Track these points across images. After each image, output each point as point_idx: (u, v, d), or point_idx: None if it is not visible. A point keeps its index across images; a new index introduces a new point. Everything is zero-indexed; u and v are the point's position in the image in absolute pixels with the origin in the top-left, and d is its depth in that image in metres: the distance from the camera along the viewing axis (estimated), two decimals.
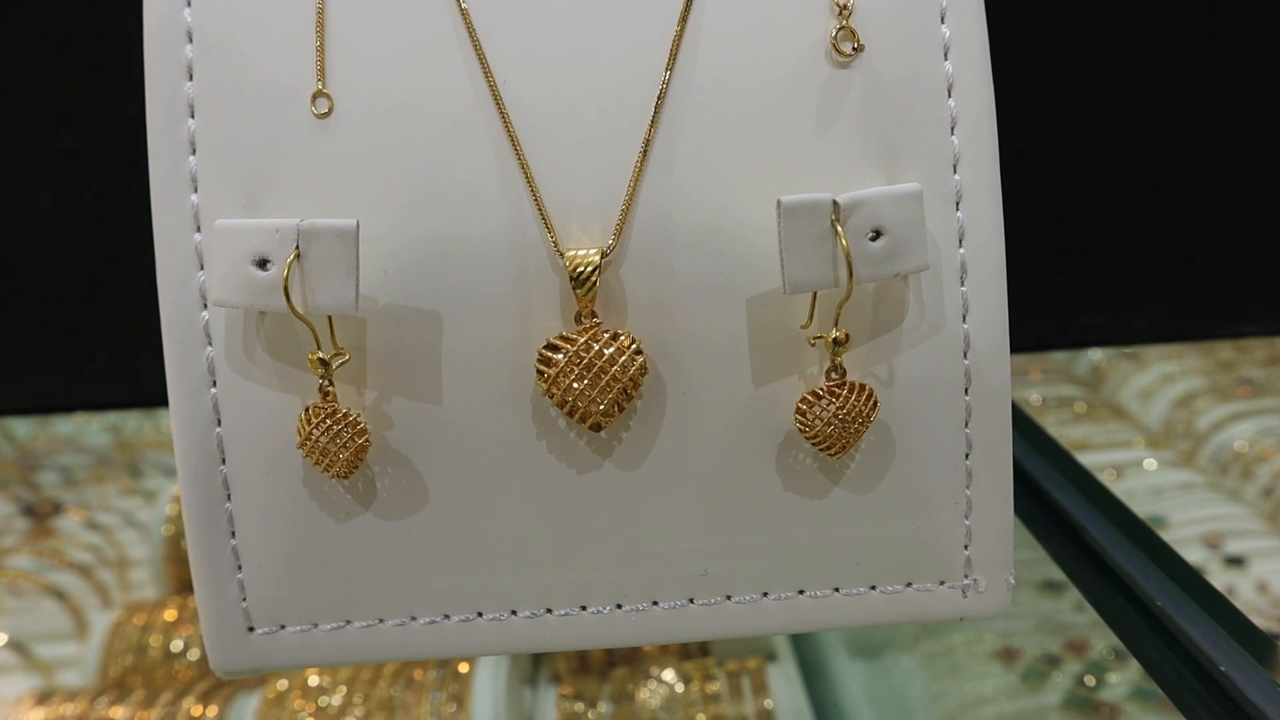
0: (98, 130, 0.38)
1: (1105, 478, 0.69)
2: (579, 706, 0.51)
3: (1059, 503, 0.32)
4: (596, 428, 0.21)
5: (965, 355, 0.23)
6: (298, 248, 0.20)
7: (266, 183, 0.22)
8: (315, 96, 0.22)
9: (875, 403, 0.21)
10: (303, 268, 0.20)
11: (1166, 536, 0.63)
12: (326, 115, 0.22)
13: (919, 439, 0.23)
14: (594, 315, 0.21)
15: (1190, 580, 0.29)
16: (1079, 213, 0.39)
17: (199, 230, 0.22)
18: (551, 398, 0.21)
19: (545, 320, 0.21)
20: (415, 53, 0.22)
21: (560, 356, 0.21)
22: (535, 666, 0.57)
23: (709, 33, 0.22)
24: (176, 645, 0.60)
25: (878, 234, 0.21)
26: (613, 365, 0.21)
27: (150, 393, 0.40)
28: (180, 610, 0.61)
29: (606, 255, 0.21)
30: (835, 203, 0.20)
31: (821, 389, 0.21)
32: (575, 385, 0.21)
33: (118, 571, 0.70)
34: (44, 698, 0.54)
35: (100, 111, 0.37)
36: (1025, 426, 0.37)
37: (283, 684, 0.52)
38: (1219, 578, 0.58)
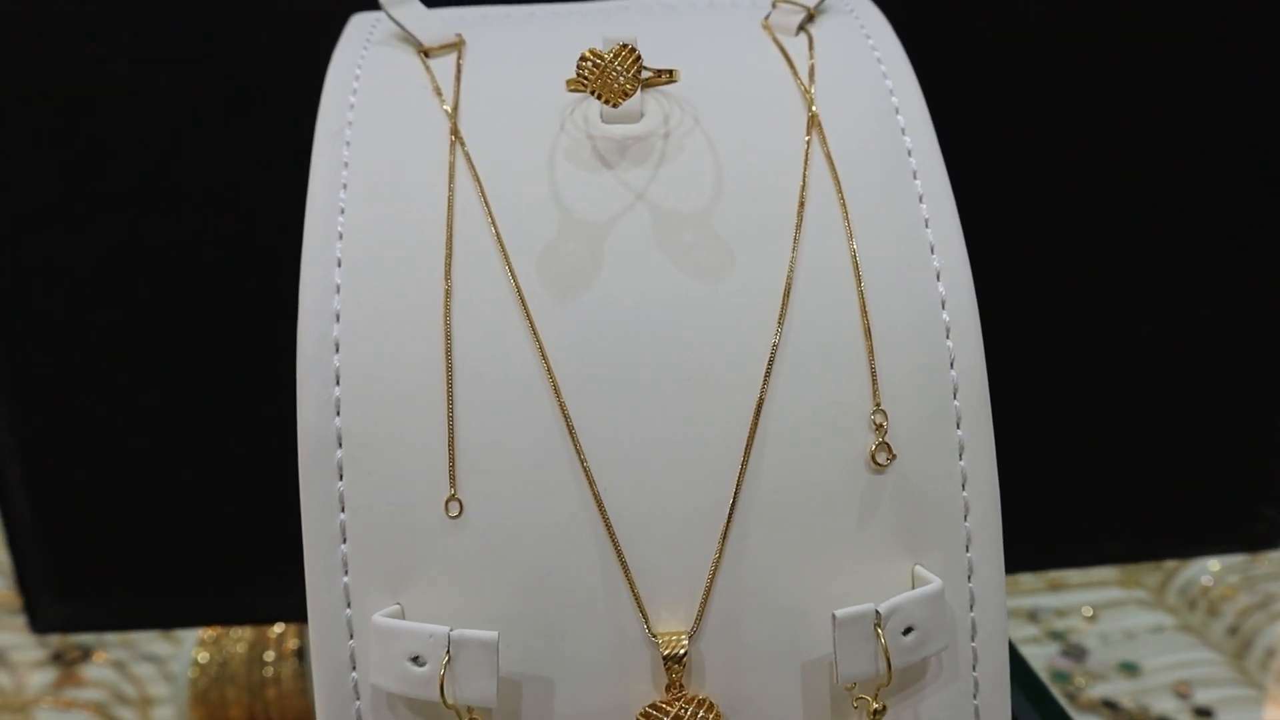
0: None
1: (1082, 616, 0.75)
2: None
3: None
4: None
5: (975, 695, 0.29)
6: (449, 653, 0.25)
7: (409, 571, 0.27)
8: (448, 501, 0.27)
9: None
10: (452, 668, 0.25)
11: (1139, 684, 0.69)
12: (458, 517, 0.27)
13: None
14: (681, 685, 0.27)
15: None
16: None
17: (349, 606, 0.27)
18: None
19: (641, 688, 0.27)
20: (531, 465, 0.27)
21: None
22: None
23: (772, 443, 0.28)
24: None
25: (909, 629, 0.27)
26: None
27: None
28: None
29: (691, 635, 0.27)
30: (877, 611, 0.26)
31: None
32: None
33: (140, 710, 0.74)
34: None
35: None
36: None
37: None
38: None
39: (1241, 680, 0.70)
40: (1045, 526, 0.46)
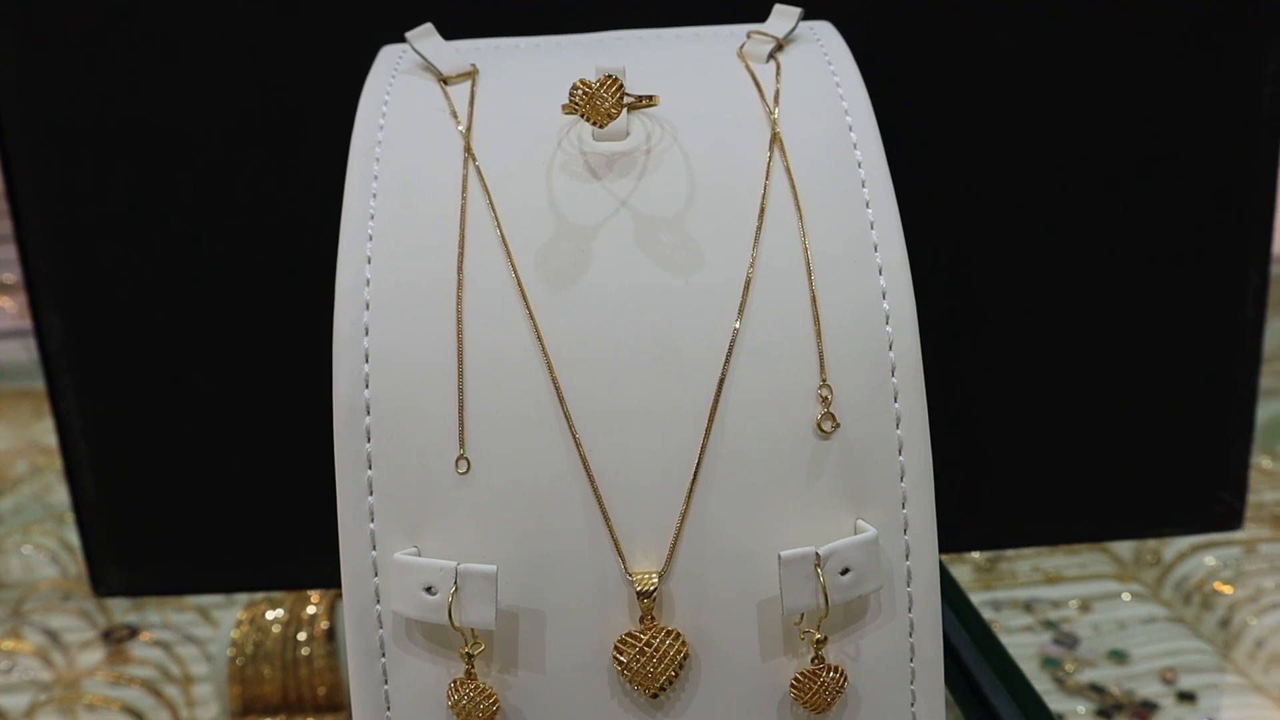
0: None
1: (1072, 608, 0.79)
2: None
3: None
4: (654, 695, 0.32)
5: (910, 634, 0.34)
6: (456, 583, 0.31)
7: (424, 518, 0.33)
8: (458, 460, 0.33)
9: (845, 678, 0.32)
10: (458, 596, 0.31)
11: (1127, 670, 0.73)
12: (466, 473, 0.33)
13: (879, 697, 0.33)
14: (653, 617, 0.32)
15: None
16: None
17: (374, 549, 0.33)
18: (624, 675, 0.32)
19: (619, 619, 0.32)
20: (528, 429, 0.33)
21: (630, 648, 0.32)
22: None
23: (732, 413, 0.33)
24: None
25: (846, 570, 0.32)
26: (665, 653, 0.32)
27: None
28: None
29: (661, 574, 0.32)
30: (817, 554, 0.31)
31: (809, 670, 0.32)
32: (640, 668, 0.32)
33: (183, 688, 0.80)
34: None
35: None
36: (965, 613, 0.47)
37: None
38: (1170, 713, 0.68)
39: (1227, 669, 0.74)
40: (1008, 506, 0.51)
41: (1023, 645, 0.75)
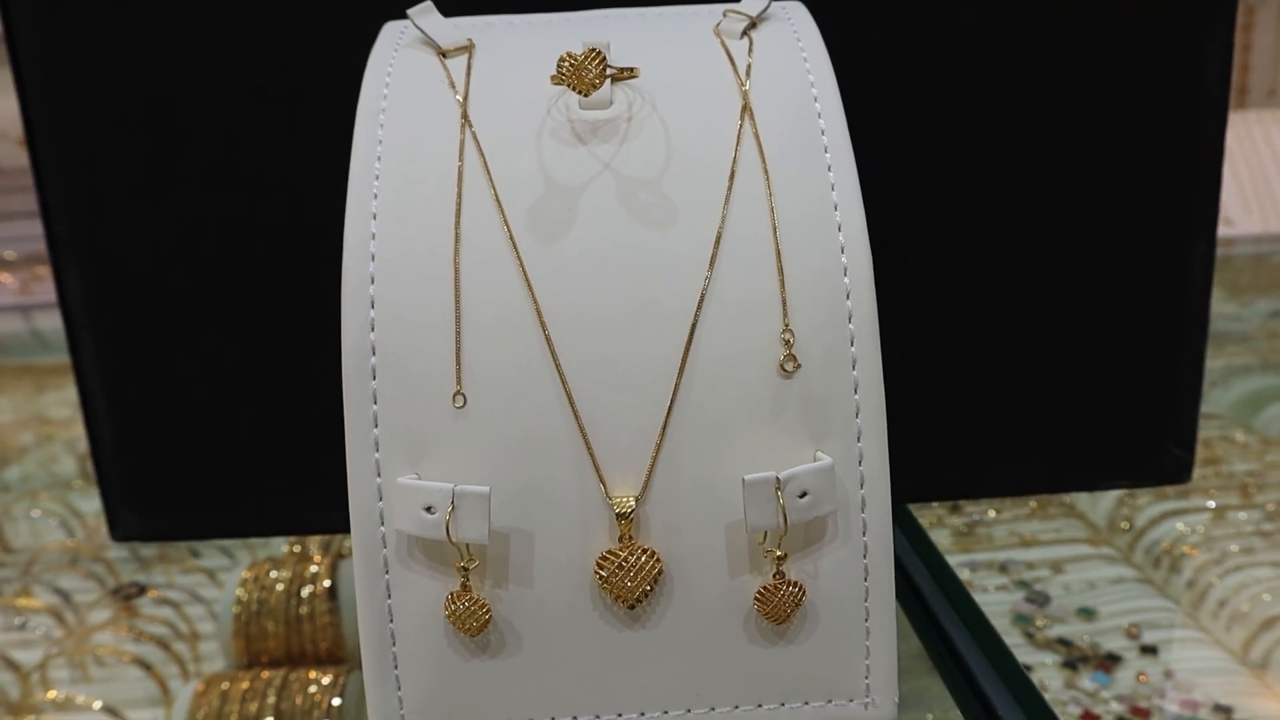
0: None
1: (1047, 572, 0.83)
2: None
3: (946, 630, 0.47)
4: (631, 607, 0.36)
5: (865, 556, 0.38)
6: (453, 503, 0.35)
7: (424, 448, 0.37)
8: (455, 395, 0.37)
9: (804, 593, 0.36)
10: (455, 515, 0.35)
11: (1094, 626, 0.77)
12: (462, 408, 0.37)
13: (836, 611, 0.37)
14: (631, 537, 0.36)
15: (1018, 681, 0.44)
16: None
17: (379, 475, 0.37)
18: (603, 589, 0.36)
19: (600, 540, 0.36)
20: (518, 369, 0.37)
21: (609, 564, 0.36)
22: None
23: (703, 356, 0.37)
24: (250, 712, 0.73)
25: (804, 494, 0.36)
26: (641, 570, 0.36)
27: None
28: (252, 682, 0.76)
29: (639, 499, 0.36)
30: (778, 478, 0.35)
31: (771, 585, 0.36)
32: (618, 582, 0.36)
33: (191, 644, 0.84)
34: None
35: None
36: (937, 569, 0.51)
37: None
38: (1133, 664, 0.72)
39: (1191, 625, 0.78)
40: (968, 459, 0.55)
41: (997, 603, 0.79)
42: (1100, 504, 0.92)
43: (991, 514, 0.90)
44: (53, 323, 1.59)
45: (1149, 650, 0.73)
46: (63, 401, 1.35)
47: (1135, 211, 0.53)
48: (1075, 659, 0.73)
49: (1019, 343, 0.54)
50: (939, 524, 0.89)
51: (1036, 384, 0.55)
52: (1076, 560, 0.84)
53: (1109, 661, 0.72)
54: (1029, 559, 0.84)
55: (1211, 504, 0.92)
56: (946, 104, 0.51)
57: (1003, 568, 0.84)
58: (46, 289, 1.74)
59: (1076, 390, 0.55)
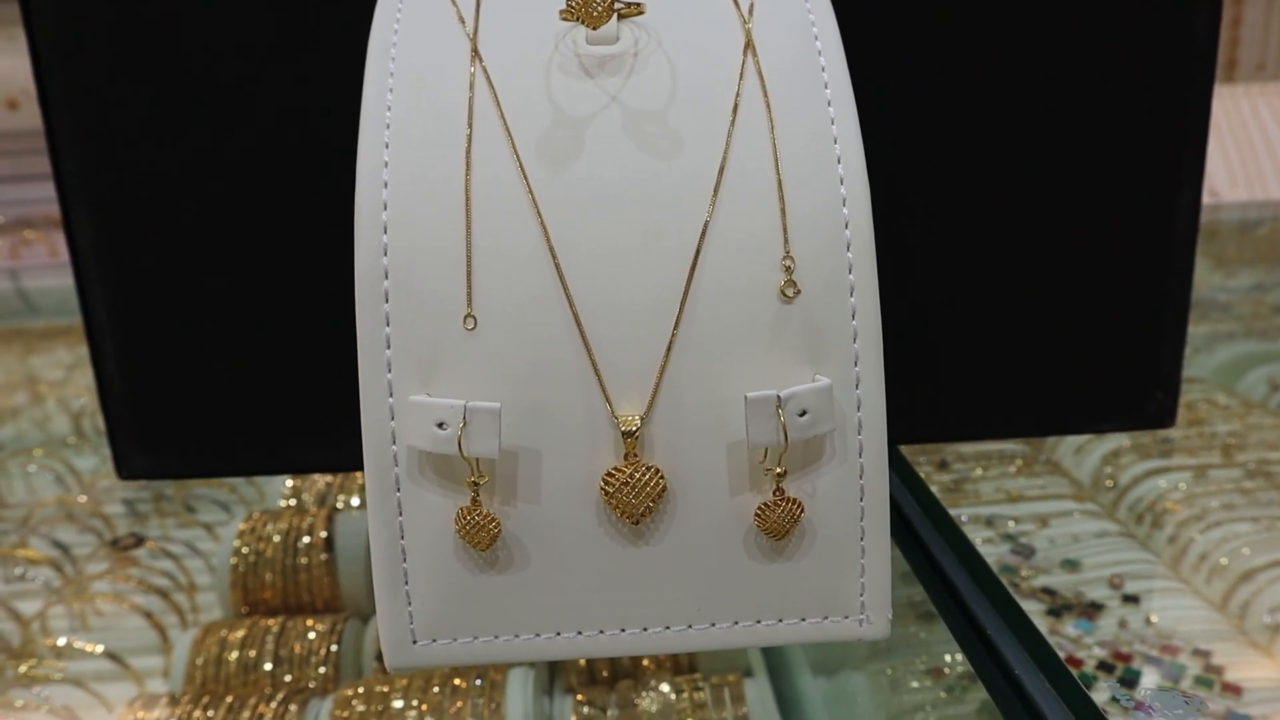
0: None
1: (1032, 526, 0.85)
2: (593, 711, 0.67)
3: (937, 558, 0.49)
4: (635, 522, 0.38)
5: (861, 477, 0.39)
6: (465, 419, 0.36)
7: (434, 369, 0.38)
8: (465, 317, 0.38)
9: (802, 509, 0.38)
10: (466, 430, 0.36)
11: (1078, 577, 0.79)
12: (473, 329, 0.38)
13: (833, 530, 0.39)
14: (636, 455, 0.37)
15: (1020, 625, 0.45)
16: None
17: (391, 395, 0.38)
18: (609, 504, 0.37)
19: (606, 457, 0.38)
20: (527, 290, 0.38)
21: (615, 481, 0.37)
22: (551, 679, 0.73)
23: (707, 281, 0.38)
24: (249, 658, 0.75)
25: (804, 412, 0.37)
26: (646, 486, 0.37)
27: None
28: (250, 629, 0.77)
29: (643, 418, 0.38)
30: (778, 396, 0.37)
31: (770, 501, 0.37)
32: (623, 498, 0.37)
33: (189, 595, 0.85)
34: (150, 702, 0.70)
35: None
36: (929, 505, 0.53)
37: (351, 690, 0.68)
38: (1115, 613, 0.74)
39: (1172, 577, 0.80)
40: (958, 402, 0.57)
41: (984, 556, 0.81)
42: (1085, 462, 0.94)
43: (979, 471, 0.92)
44: (41, 286, 1.59)
45: (1131, 599, 0.76)
46: (53, 363, 1.36)
47: (1124, 161, 0.55)
48: (1059, 606, 0.75)
49: (1008, 289, 0.55)
50: (927, 480, 0.90)
51: (1025, 329, 0.56)
52: (1061, 515, 0.86)
53: (1092, 609, 0.74)
54: (1015, 514, 0.86)
55: (1192, 460, 0.94)
56: (943, 52, 0.52)
57: (989, 522, 0.86)
58: (35, 253, 1.75)
59: (1064, 335, 0.56)
